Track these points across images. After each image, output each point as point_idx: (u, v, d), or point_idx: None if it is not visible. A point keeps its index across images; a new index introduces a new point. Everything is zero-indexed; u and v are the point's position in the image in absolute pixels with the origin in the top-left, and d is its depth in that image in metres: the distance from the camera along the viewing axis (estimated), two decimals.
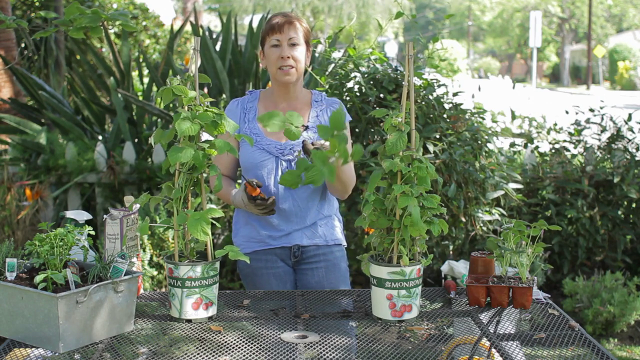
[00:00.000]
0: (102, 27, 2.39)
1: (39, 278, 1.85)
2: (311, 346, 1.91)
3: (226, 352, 1.86)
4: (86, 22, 2.29)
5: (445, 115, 3.85)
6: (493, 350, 1.90)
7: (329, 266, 2.61)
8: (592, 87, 31.32)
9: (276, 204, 2.50)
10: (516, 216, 4.38)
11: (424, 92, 3.79)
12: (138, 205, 2.24)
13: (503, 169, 4.06)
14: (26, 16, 8.39)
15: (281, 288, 2.58)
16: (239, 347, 1.89)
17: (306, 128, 2.51)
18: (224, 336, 1.97)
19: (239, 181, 2.67)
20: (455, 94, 3.96)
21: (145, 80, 7.51)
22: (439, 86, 3.89)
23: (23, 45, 7.68)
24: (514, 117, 6.05)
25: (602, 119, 4.73)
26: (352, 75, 3.80)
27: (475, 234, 3.98)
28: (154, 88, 5.80)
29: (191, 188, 2.10)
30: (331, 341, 1.94)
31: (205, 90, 5.53)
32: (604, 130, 4.73)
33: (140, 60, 7.29)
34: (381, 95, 3.82)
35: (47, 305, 1.82)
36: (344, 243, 2.69)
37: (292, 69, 2.47)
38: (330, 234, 2.62)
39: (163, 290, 4.23)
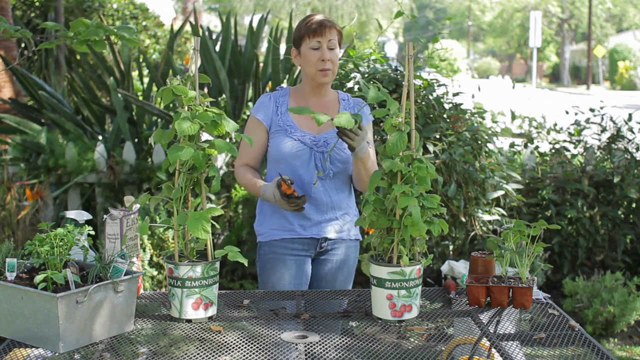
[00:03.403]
0: (105, 42, 2.38)
1: (39, 278, 1.85)
2: (311, 346, 1.91)
3: (226, 352, 1.86)
4: (89, 35, 2.28)
5: (445, 115, 3.85)
6: (493, 350, 1.90)
7: (344, 259, 2.69)
8: (592, 87, 31.27)
9: (308, 194, 2.56)
10: (516, 216, 4.38)
11: (424, 92, 3.79)
12: (138, 205, 2.24)
13: (503, 169, 4.06)
14: (26, 16, 8.38)
15: (298, 275, 2.62)
16: (239, 347, 1.89)
17: None
18: (224, 336, 1.97)
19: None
20: (455, 94, 3.96)
21: (145, 80, 7.50)
22: (438, 86, 3.89)
23: (23, 45, 7.67)
24: (514, 117, 6.04)
25: (602, 119, 4.73)
26: (352, 75, 3.80)
27: (475, 234, 3.98)
28: (154, 88, 5.80)
29: (191, 188, 2.11)
30: (331, 341, 1.94)
31: (205, 90, 5.53)
32: (604, 130, 4.73)
33: (140, 60, 7.28)
34: None
35: (47, 305, 1.82)
36: (361, 237, 2.75)
37: (330, 72, 2.58)
38: (353, 228, 2.70)
39: (163, 290, 4.23)
